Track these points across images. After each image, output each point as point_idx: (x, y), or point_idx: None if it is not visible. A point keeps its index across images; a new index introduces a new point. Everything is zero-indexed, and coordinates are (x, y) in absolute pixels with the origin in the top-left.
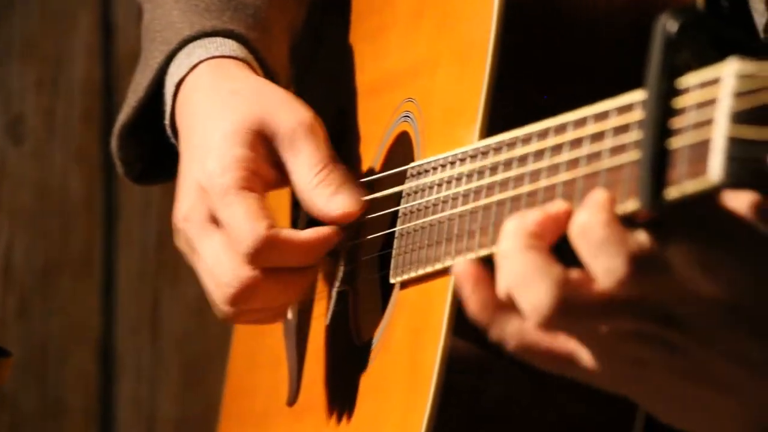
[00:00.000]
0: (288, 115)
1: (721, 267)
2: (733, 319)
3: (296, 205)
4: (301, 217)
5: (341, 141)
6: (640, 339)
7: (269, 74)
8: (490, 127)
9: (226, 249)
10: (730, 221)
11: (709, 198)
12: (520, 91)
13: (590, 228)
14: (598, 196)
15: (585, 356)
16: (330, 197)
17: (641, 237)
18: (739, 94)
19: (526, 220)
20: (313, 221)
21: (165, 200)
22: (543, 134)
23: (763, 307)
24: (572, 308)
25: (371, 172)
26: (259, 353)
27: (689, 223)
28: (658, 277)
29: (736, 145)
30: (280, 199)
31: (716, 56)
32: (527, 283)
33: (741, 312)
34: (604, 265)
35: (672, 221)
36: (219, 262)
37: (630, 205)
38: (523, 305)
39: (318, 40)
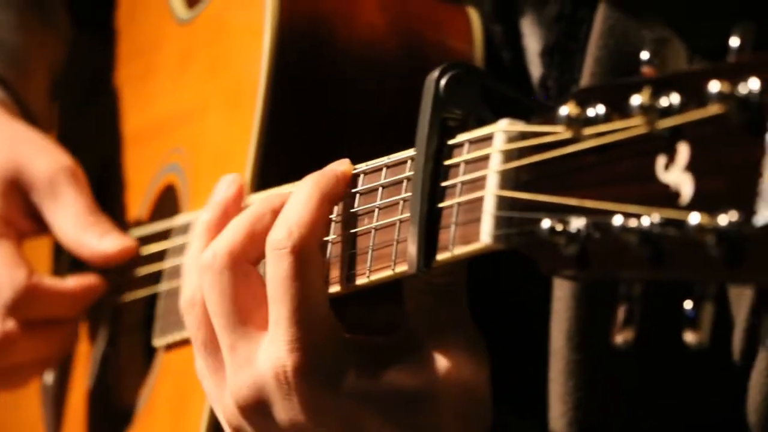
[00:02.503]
0: (46, 161)
1: None
2: None
3: (57, 257)
4: (61, 269)
5: (104, 194)
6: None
7: (28, 116)
8: (262, 176)
9: None
10: None
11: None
12: (295, 137)
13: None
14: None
15: None
16: (103, 236)
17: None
18: (509, 154)
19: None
20: (76, 271)
21: None
22: None
23: None
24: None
25: (136, 226)
26: (12, 423)
27: None
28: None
29: (505, 206)
30: (37, 251)
31: (488, 114)
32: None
33: None
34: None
35: None
36: None
37: (400, 268)
38: None
39: (81, 80)
